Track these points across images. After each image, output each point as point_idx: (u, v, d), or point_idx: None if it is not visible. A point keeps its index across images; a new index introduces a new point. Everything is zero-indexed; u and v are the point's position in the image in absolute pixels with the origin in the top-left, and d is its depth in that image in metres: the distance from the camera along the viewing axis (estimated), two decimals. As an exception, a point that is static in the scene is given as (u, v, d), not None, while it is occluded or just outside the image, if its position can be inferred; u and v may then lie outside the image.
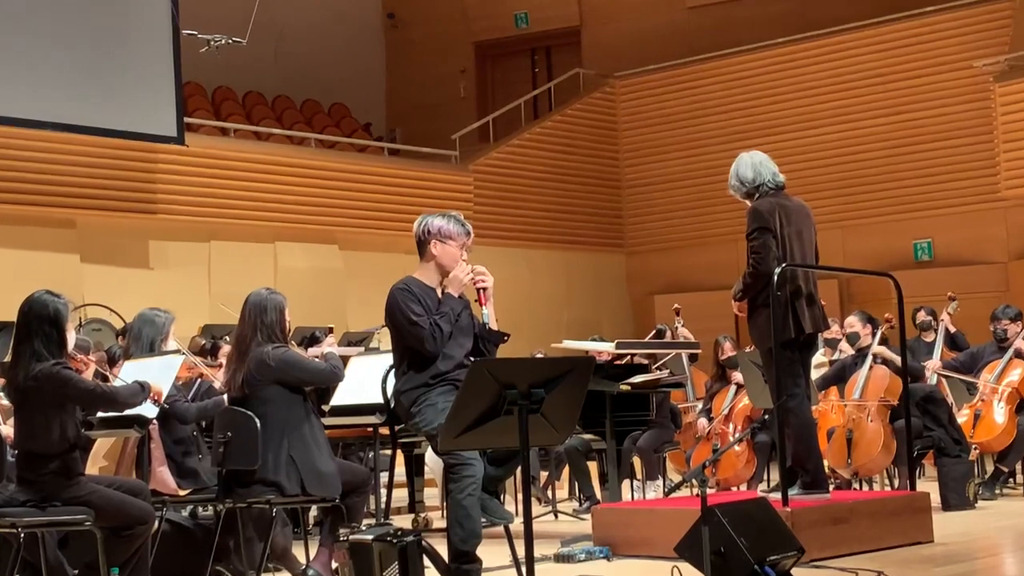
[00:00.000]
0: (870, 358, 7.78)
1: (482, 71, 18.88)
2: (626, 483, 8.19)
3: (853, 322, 8.03)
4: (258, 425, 5.18)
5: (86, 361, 5.04)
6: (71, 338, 4.83)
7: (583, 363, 4.29)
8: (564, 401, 4.15)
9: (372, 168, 14.78)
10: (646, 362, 7.84)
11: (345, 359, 6.70)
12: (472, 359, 5.10)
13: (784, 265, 5.48)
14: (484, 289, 5.12)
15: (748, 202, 5.82)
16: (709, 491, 4.31)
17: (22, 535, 4.62)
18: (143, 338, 5.77)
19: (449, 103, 18.08)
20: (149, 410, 5.16)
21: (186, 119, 12.96)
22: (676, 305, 11.02)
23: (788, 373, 5.57)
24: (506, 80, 18.67)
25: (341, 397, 6.47)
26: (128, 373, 5.33)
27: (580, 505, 8.36)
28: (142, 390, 4.93)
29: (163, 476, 5.56)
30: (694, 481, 4.29)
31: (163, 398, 5.05)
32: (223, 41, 10.06)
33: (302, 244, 13.84)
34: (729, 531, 4.27)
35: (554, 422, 4.17)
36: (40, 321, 4.74)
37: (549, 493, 8.66)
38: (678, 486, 4.61)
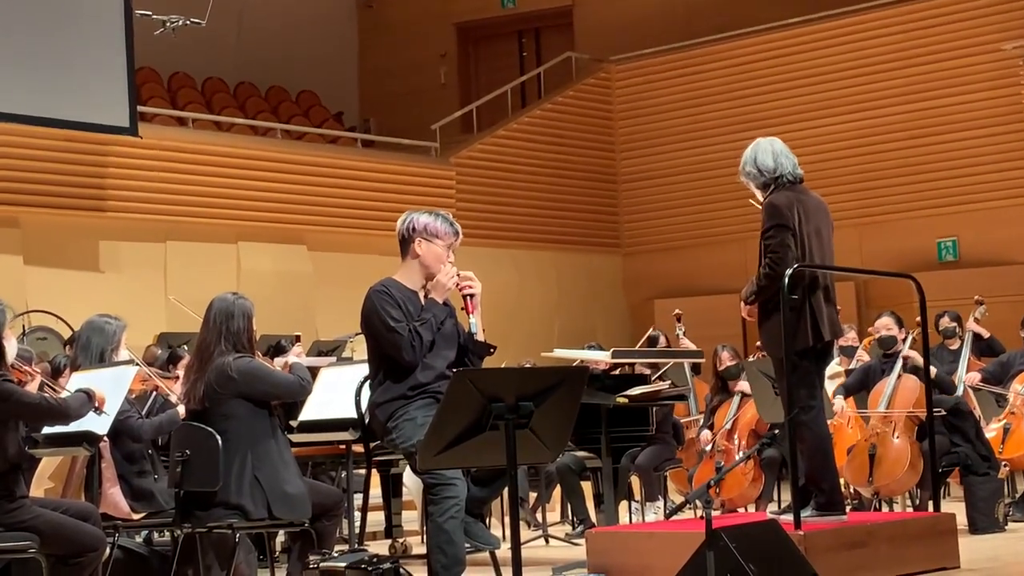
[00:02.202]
0: (899, 365, 7.76)
1: (464, 55, 18.88)
2: (623, 505, 8.19)
3: (888, 323, 7.94)
4: (219, 442, 5.16)
5: (31, 372, 5.02)
6: (11, 348, 4.82)
7: (576, 374, 4.28)
8: (555, 415, 4.14)
9: (344, 161, 14.77)
10: (646, 372, 7.84)
11: (314, 370, 6.69)
12: (455, 370, 5.10)
13: (796, 266, 5.47)
14: (471, 296, 5.12)
15: (759, 193, 5.80)
16: (714, 513, 4.31)
17: (-41, 564, 4.60)
18: (92, 348, 5.75)
19: (428, 90, 18.07)
20: (99, 426, 5.14)
21: (140, 108, 12.92)
22: (677, 311, 11.04)
23: (803, 383, 5.56)
24: (491, 65, 18.68)
25: (310, 411, 6.45)
26: (76, 386, 5.30)
27: (573, 529, 8.36)
28: (89, 399, 4.91)
29: (115, 498, 5.54)
30: (698, 502, 4.29)
31: (105, 404, 5.01)
32: (180, 23, 10.04)
33: (267, 244, 13.82)
34: (736, 557, 4.27)
35: (544, 438, 4.16)
36: (-27, 329, 4.72)
37: (539, 516, 8.65)
38: (680, 507, 4.61)
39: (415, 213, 5.26)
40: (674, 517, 6.79)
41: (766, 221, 5.63)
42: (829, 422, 6.33)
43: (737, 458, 8.27)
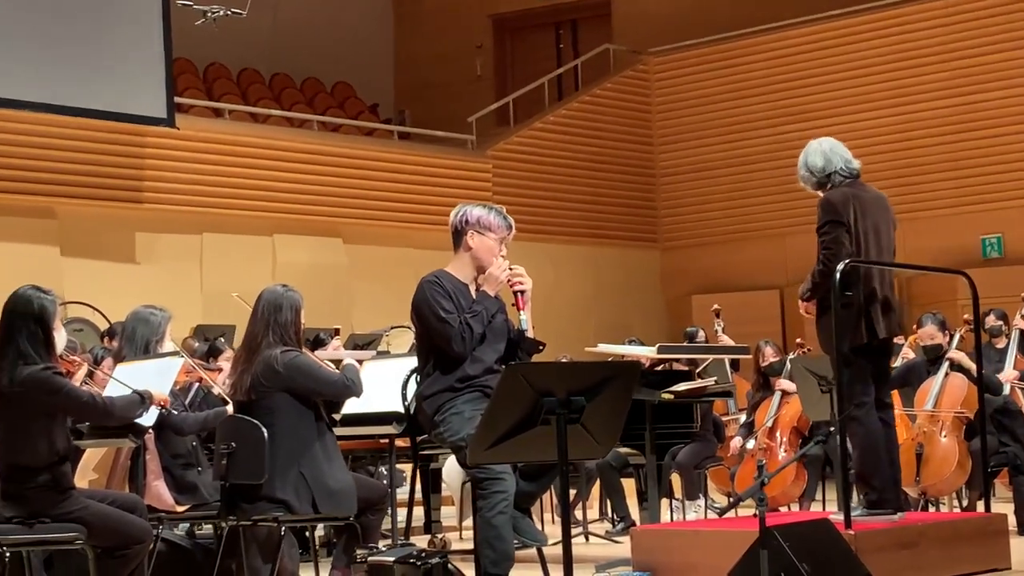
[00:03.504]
0: (946, 365, 7.72)
1: (501, 47, 18.87)
2: (664, 503, 8.18)
3: (932, 332, 7.85)
4: (265, 435, 5.18)
5: (77, 362, 5.05)
6: (59, 338, 4.84)
7: (628, 368, 4.28)
8: (606, 410, 4.14)
9: (379, 154, 14.79)
10: (687, 368, 7.82)
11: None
12: (506, 365, 5.10)
13: (847, 261, 5.46)
14: (522, 292, 5.11)
15: (821, 194, 5.80)
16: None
17: (7, 555, 4.63)
18: (137, 339, 5.77)
19: (464, 82, 18.06)
20: (145, 418, 5.17)
21: (176, 99, 12.98)
22: (716, 306, 11.02)
23: (857, 380, 5.56)
24: (527, 57, 18.66)
25: (353, 405, 6.46)
26: (121, 377, 5.34)
27: (613, 526, 8.35)
28: (141, 402, 4.93)
29: (159, 490, 5.57)
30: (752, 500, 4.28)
31: (169, 403, 5.06)
32: (221, 13, 10.06)
33: (303, 237, 13.86)
34: (790, 555, 4.26)
35: (595, 433, 4.16)
36: (24, 319, 4.75)
37: (578, 513, 8.65)
38: (733, 505, 4.60)
39: (468, 206, 5.29)
40: (714, 516, 6.79)
41: (820, 217, 5.65)
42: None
43: (781, 455, 8.25)
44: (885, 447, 5.67)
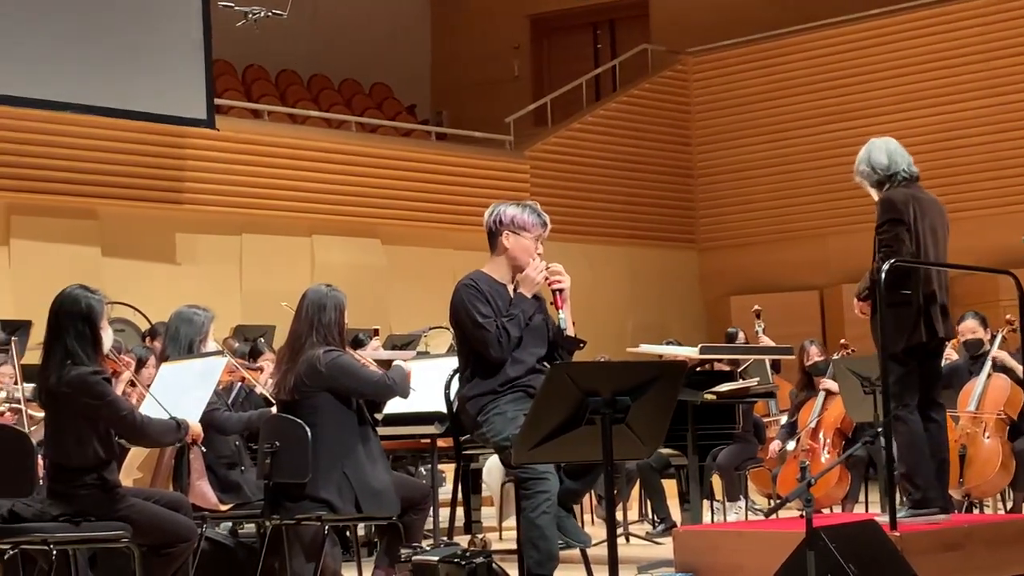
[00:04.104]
0: (988, 364, 7.67)
1: (538, 47, 18.87)
2: (704, 504, 8.15)
3: (973, 326, 7.86)
4: (309, 434, 5.20)
5: (125, 362, 5.08)
6: (107, 337, 4.87)
7: (674, 369, 4.27)
8: (652, 411, 4.13)
9: (417, 154, 14.83)
10: (729, 369, 7.79)
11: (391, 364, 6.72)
12: (546, 364, 5.10)
13: (894, 261, 5.42)
14: (560, 291, 5.09)
15: (874, 192, 5.76)
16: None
17: (54, 553, 4.66)
18: (181, 338, 5.80)
19: (502, 83, 18.08)
20: (190, 417, 5.19)
21: (216, 101, 13.05)
22: (756, 307, 10.98)
23: (907, 380, 5.53)
24: (565, 57, 18.65)
25: (395, 405, 6.47)
26: (167, 376, 5.38)
27: (654, 527, 8.33)
28: (177, 429, 4.94)
29: (203, 489, 5.60)
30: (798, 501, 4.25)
31: (201, 440, 5.09)
32: (261, 14, 10.10)
33: (341, 238, 13.92)
34: (836, 557, 4.23)
35: (640, 434, 4.15)
36: (72, 318, 4.78)
37: (618, 514, 8.63)
38: (780, 505, 4.57)
39: (502, 205, 5.25)
40: (755, 517, 6.75)
41: (880, 216, 5.60)
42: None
43: (824, 456, 8.21)
44: (934, 448, 5.63)
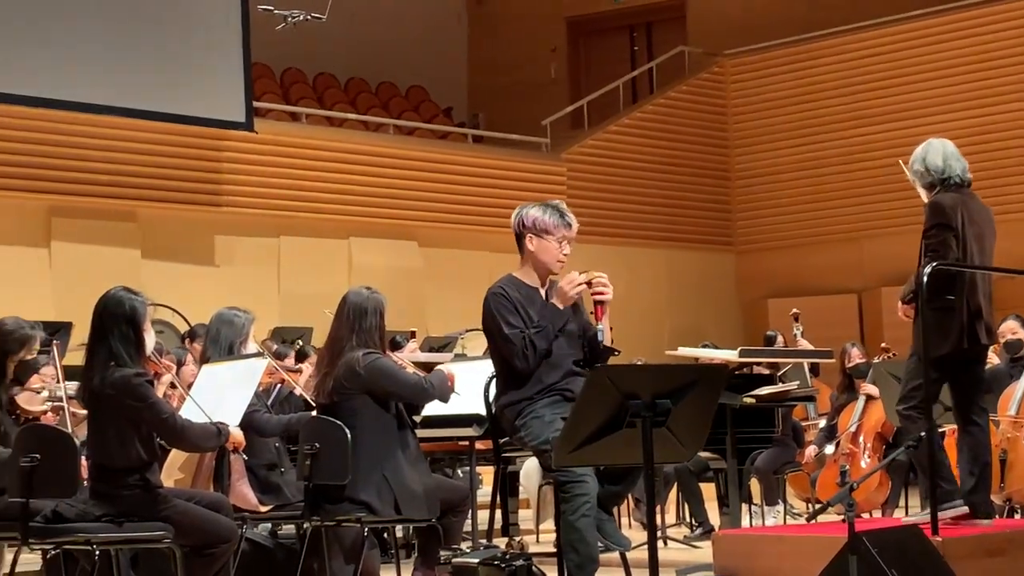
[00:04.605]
0: (1030, 367, 7.60)
1: (575, 50, 18.87)
2: (742, 508, 8.12)
3: (1014, 327, 7.80)
4: (348, 436, 5.21)
5: (166, 364, 5.12)
6: (149, 339, 4.90)
7: (715, 372, 4.27)
8: (693, 414, 4.12)
9: (454, 157, 14.85)
10: (767, 372, 7.76)
11: (433, 366, 6.73)
12: (580, 366, 5.08)
13: (935, 264, 5.39)
14: (602, 303, 5.01)
15: (924, 193, 5.73)
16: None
17: (97, 553, 4.70)
18: (221, 340, 5.84)
19: (538, 85, 18.08)
20: (230, 418, 5.22)
21: (254, 104, 13.12)
22: (795, 310, 10.93)
23: (930, 388, 5.50)
24: (602, 60, 18.64)
25: (433, 408, 6.49)
26: (208, 378, 5.41)
27: (692, 531, 8.31)
28: (218, 435, 4.97)
29: (243, 490, 5.63)
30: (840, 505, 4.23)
31: (244, 447, 5.12)
32: (301, 17, 10.14)
33: (378, 240, 13.96)
34: (879, 562, 4.21)
35: (681, 437, 4.14)
36: (116, 320, 4.82)
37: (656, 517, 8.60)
38: (822, 510, 4.55)
39: (526, 207, 5.19)
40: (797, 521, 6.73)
41: (929, 220, 5.57)
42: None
43: (864, 461, 8.16)
44: (977, 452, 5.60)
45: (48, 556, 5.39)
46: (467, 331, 11.49)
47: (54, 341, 6.39)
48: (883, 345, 9.11)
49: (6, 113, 11.53)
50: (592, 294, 5.06)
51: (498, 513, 6.66)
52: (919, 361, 5.49)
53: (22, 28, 11.41)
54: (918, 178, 5.72)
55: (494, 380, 5.33)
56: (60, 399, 5.72)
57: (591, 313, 5.12)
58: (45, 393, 5.82)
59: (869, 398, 8.46)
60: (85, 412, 5.07)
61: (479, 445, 6.76)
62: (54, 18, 11.59)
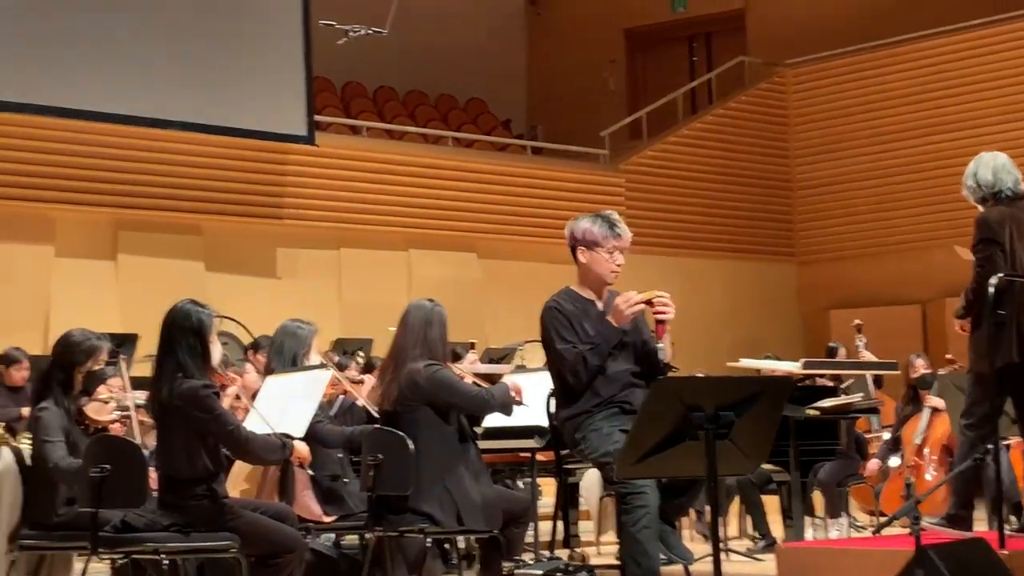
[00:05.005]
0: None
1: (633, 61, 18.86)
2: (805, 520, 8.06)
3: None
4: (411, 447, 5.25)
5: (231, 377, 5.17)
6: (216, 351, 4.96)
7: (779, 384, 4.25)
8: (756, 426, 4.11)
9: (513, 168, 14.90)
10: (830, 384, 7.71)
11: (495, 378, 6.75)
12: (638, 377, 5.07)
13: (1001, 275, 5.34)
14: (663, 322, 4.97)
15: (980, 208, 5.70)
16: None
17: (164, 562, 4.76)
18: (285, 352, 5.89)
19: (597, 96, 18.08)
20: (295, 429, 5.28)
21: (315, 117, 13.24)
22: (857, 321, 10.84)
23: (985, 400, 5.46)
24: (660, 70, 18.62)
25: (495, 419, 6.51)
26: (272, 389, 5.46)
27: (754, 544, 8.27)
28: (282, 448, 5.01)
29: (307, 501, 5.68)
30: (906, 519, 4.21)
31: (309, 462, 5.16)
32: (362, 32, 10.24)
33: (438, 252, 14.02)
34: (946, 575, 4.17)
35: (744, 449, 4.13)
36: (183, 332, 4.88)
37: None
38: (888, 523, 4.52)
39: (578, 219, 5.18)
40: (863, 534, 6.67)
41: (975, 235, 5.56)
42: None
43: (930, 473, 8.08)
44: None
45: (116, 565, 5.46)
46: (526, 342, 11.50)
47: (122, 357, 6.49)
48: (948, 356, 9.02)
49: (75, 128, 11.73)
50: (653, 313, 5.02)
51: (559, 525, 6.65)
52: (974, 377, 5.48)
53: (91, 46, 11.62)
54: (971, 193, 5.73)
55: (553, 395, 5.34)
56: (127, 409, 5.81)
57: (652, 331, 5.10)
58: (112, 403, 5.91)
59: (934, 410, 8.39)
60: (152, 421, 5.14)
61: (540, 456, 6.78)
62: (120, 36, 11.79)
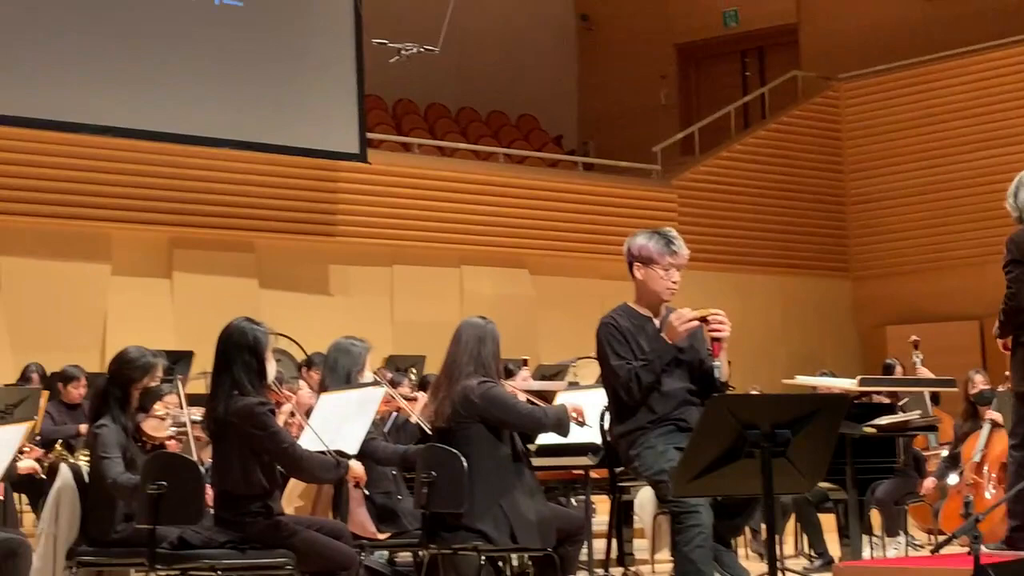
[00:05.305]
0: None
1: (685, 76, 18.82)
2: (862, 539, 7.98)
3: None
4: (465, 464, 5.25)
5: (286, 395, 5.21)
6: (271, 368, 5.00)
7: (835, 401, 4.21)
8: (812, 444, 4.07)
9: (564, 184, 14.91)
10: (887, 401, 7.64)
11: (549, 395, 6.75)
12: (693, 395, 5.05)
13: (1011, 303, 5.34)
14: (718, 340, 4.94)
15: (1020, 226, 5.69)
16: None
17: (220, 578, 4.80)
18: (339, 369, 5.91)
19: (648, 112, 18.07)
20: (348, 445, 5.30)
21: (367, 135, 13.33)
22: (914, 337, 10.74)
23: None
24: (712, 85, 18.57)
25: (547, 436, 6.50)
26: (326, 406, 5.50)
27: (810, 562, 8.20)
28: (336, 467, 5.03)
29: (361, 517, 5.70)
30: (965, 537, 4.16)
31: (364, 482, 5.19)
32: (414, 50, 10.33)
33: (489, 268, 14.05)
34: (1006, 595, 4.12)
35: (801, 467, 4.10)
36: (239, 350, 4.93)
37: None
38: (947, 541, 4.47)
39: (635, 236, 5.17)
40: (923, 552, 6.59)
41: (1005, 256, 5.58)
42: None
43: (989, 491, 7.98)
44: None
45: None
46: (579, 359, 11.50)
47: (178, 378, 6.56)
48: (1007, 373, 8.89)
49: (132, 148, 11.89)
50: (708, 331, 4.99)
51: (613, 543, 6.62)
52: (1016, 397, 5.46)
53: (150, 68, 11.80)
54: (1013, 212, 5.73)
55: (607, 411, 5.33)
56: (183, 426, 5.86)
57: (708, 349, 5.08)
58: (169, 420, 5.96)
59: (994, 426, 8.28)
60: (208, 438, 5.19)
61: (594, 474, 6.76)
62: (177, 57, 11.97)
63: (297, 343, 11.64)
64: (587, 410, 5.64)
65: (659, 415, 4.99)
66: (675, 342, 4.99)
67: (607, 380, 5.09)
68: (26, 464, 6.24)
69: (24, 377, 9.57)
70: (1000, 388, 8.55)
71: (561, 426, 5.51)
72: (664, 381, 5.00)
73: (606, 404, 5.63)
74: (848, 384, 6.50)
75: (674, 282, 5.11)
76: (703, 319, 4.99)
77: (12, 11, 11.21)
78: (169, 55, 11.95)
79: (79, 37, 11.55)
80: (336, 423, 5.41)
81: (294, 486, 5.84)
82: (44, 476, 6.51)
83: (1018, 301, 5.51)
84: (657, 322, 5.12)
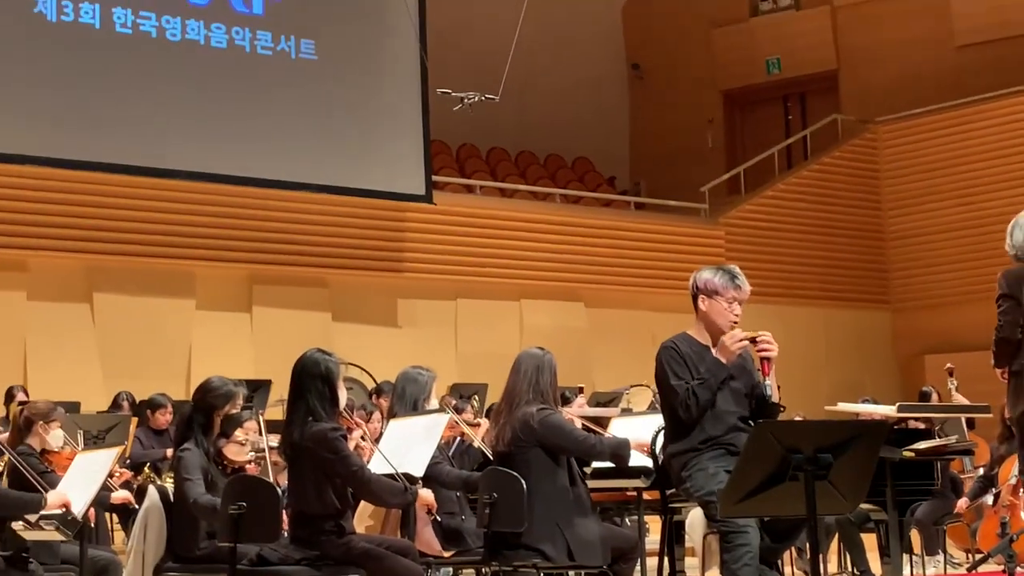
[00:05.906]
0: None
1: (731, 120, 18.79)
2: (903, 558, 7.86)
3: None
4: (524, 486, 5.25)
5: (357, 421, 5.23)
6: (343, 396, 5.03)
7: (874, 428, 4.17)
8: (853, 468, 4.04)
9: (617, 223, 14.91)
10: (923, 427, 7.54)
11: (604, 421, 6.73)
12: (746, 421, 5.03)
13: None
14: (767, 359, 4.97)
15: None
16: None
17: (296, 593, 4.81)
18: (407, 397, 5.94)
19: (696, 154, 18.05)
20: (415, 468, 5.31)
21: (433, 178, 13.43)
22: (949, 365, 10.59)
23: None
24: (757, 129, 18.52)
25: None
26: (395, 432, 5.52)
27: (854, 580, 8.08)
28: (403, 492, 5.03)
29: (427, 536, 5.71)
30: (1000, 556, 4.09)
31: (436, 508, 5.19)
32: (476, 99, 10.42)
33: (547, 301, 14.07)
34: (1042, 614, 4.04)
35: (842, 490, 4.06)
36: (312, 379, 4.96)
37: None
38: (983, 560, 4.40)
39: (702, 270, 5.20)
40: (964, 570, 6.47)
41: (997, 290, 5.59)
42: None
43: (1023, 513, 7.82)
44: None
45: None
46: (632, 387, 11.44)
47: (258, 411, 6.60)
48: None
49: (215, 191, 12.05)
50: (757, 351, 5.02)
51: (665, 561, 6.57)
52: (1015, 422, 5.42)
53: (231, 117, 11.96)
54: (1010, 251, 5.77)
55: (660, 434, 5.31)
56: (262, 450, 5.91)
57: (757, 369, 5.08)
58: (248, 445, 6.01)
59: (1030, 450, 8.13)
60: (284, 462, 5.22)
61: (647, 495, 6.72)
62: (258, 108, 12.15)
63: (368, 372, 11.69)
64: (629, 431, 5.63)
65: (711, 435, 4.98)
66: (728, 362, 5.01)
67: (665, 399, 5.09)
68: (120, 495, 6.31)
69: (115, 404, 9.69)
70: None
71: (619, 457, 5.50)
72: (717, 400, 4.99)
73: (657, 428, 5.61)
74: (888, 411, 6.43)
75: (736, 315, 5.13)
76: (752, 339, 5.00)
77: (111, 63, 11.44)
78: (249, 105, 12.14)
79: (168, 92, 11.76)
80: (404, 447, 5.43)
81: (365, 506, 5.85)
82: (135, 502, 6.58)
83: (1005, 333, 5.68)
84: (714, 351, 5.12)
